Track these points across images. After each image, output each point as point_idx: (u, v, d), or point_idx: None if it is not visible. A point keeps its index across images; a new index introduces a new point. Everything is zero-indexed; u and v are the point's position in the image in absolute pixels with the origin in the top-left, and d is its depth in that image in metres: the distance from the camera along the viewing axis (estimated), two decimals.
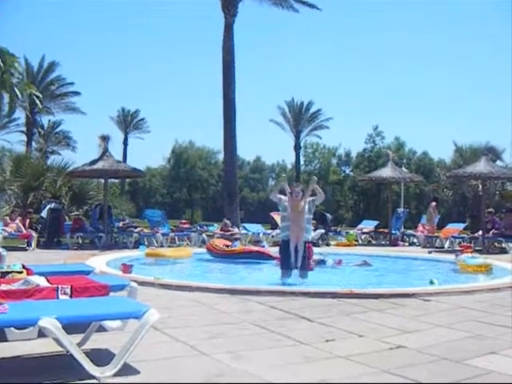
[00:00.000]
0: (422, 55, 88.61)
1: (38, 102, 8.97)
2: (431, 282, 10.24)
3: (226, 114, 26.23)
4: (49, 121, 49.97)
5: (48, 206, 19.61)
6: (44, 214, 19.36)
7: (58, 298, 5.49)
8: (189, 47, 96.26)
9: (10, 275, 6.46)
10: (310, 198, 10.78)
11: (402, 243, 21.98)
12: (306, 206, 10.65)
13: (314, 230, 19.13)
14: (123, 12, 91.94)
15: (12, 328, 5.29)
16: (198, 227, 23.70)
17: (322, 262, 13.44)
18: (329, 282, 10.84)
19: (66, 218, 21.40)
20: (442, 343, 5.90)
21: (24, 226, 18.01)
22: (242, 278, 11.92)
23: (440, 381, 4.61)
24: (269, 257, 14.61)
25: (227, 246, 15.16)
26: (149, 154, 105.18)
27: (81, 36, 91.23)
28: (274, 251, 14.56)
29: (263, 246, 15.97)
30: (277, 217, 20.66)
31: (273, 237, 21.15)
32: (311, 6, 28.91)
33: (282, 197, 10.75)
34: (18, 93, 7.65)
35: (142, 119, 68.49)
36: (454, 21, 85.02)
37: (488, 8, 72.92)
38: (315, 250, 12.07)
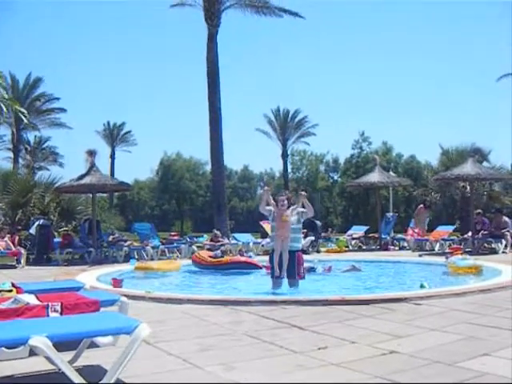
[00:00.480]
0: (407, 60, 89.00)
1: (23, 117, 8.92)
2: (422, 286, 10.26)
3: (212, 124, 26.29)
4: (35, 137, 49.90)
5: (36, 223, 19.55)
6: (33, 230, 19.29)
7: (48, 315, 5.45)
8: (173, 58, 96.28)
9: None
10: (300, 210, 10.78)
11: (392, 247, 22.06)
12: (295, 217, 10.64)
13: (304, 237, 19.21)
14: (107, 25, 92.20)
15: (2, 348, 5.26)
16: (188, 239, 23.71)
17: (311, 270, 13.44)
18: (320, 290, 10.85)
19: (55, 233, 21.28)
20: (434, 347, 5.90)
21: (13, 243, 17.91)
22: (231, 289, 11.89)
23: None
24: (255, 266, 14.61)
25: (213, 257, 15.10)
26: (137, 166, 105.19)
27: (64, 50, 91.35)
28: (264, 260, 14.61)
29: (250, 257, 15.90)
30: (266, 226, 20.65)
31: (263, 246, 21.14)
32: (294, 14, 29.06)
33: (271, 208, 10.73)
34: (4, 108, 7.61)
35: (129, 132, 68.62)
36: (437, 24, 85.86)
37: (472, 13, 73.82)
38: (305, 257, 12.07)
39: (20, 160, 44.84)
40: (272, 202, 10.64)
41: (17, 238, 18.76)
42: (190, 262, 15.70)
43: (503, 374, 4.87)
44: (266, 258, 11.46)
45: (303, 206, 10.87)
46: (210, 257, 15.09)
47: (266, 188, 11.17)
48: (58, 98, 47.40)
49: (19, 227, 20.76)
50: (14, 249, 17.43)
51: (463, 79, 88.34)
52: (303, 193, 11.04)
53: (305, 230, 14.85)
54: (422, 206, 23.90)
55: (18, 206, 23.42)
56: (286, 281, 10.63)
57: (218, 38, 26.76)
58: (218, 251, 15.95)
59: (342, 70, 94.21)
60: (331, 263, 14.75)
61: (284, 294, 9.99)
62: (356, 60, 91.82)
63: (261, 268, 14.42)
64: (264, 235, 22.03)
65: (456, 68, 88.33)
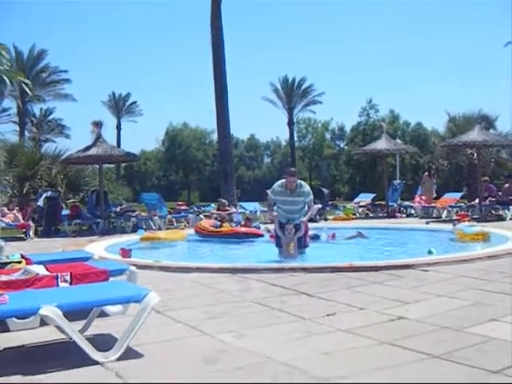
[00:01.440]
0: (414, 26, 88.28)
1: (27, 89, 8.85)
2: (430, 252, 10.27)
3: (218, 92, 26.17)
4: (41, 109, 49.94)
5: (44, 195, 19.58)
6: (40, 202, 19.33)
7: (57, 285, 5.51)
8: (178, 27, 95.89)
9: (9, 266, 6.48)
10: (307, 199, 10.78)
11: (399, 215, 22.02)
12: (301, 198, 10.65)
13: None
14: None
15: (13, 318, 5.31)
16: (195, 208, 23.75)
17: (316, 237, 13.47)
18: (327, 257, 10.87)
19: (63, 205, 21.34)
20: (442, 313, 5.93)
21: (26, 214, 18.09)
22: (236, 257, 11.93)
23: (442, 349, 4.63)
24: (257, 235, 14.66)
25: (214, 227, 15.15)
26: (143, 137, 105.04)
27: (68, 21, 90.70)
28: (271, 228, 14.67)
29: (256, 226, 15.91)
30: None
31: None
32: None
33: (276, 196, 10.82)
34: (7, 80, 7.55)
35: (134, 102, 68.39)
36: None
37: None
38: (314, 225, 12.11)
39: (26, 133, 44.95)
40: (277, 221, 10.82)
41: (29, 209, 18.94)
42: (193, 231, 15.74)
43: (511, 339, 4.90)
44: (273, 226, 11.45)
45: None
46: (212, 226, 15.12)
47: (274, 214, 11.02)
48: (65, 71, 47.36)
49: (33, 197, 20.83)
50: (22, 221, 17.51)
51: (470, 45, 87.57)
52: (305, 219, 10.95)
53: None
54: (426, 174, 23.83)
55: (25, 178, 23.48)
56: None
57: (223, 5, 26.54)
58: (217, 221, 15.89)
59: (348, 38, 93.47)
60: (335, 230, 14.75)
61: (292, 262, 10.02)
62: (363, 27, 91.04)
63: (262, 235, 14.51)
64: None
65: (463, 34, 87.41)
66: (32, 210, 19.15)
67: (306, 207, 10.83)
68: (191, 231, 15.83)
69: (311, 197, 10.81)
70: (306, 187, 10.88)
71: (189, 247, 14.31)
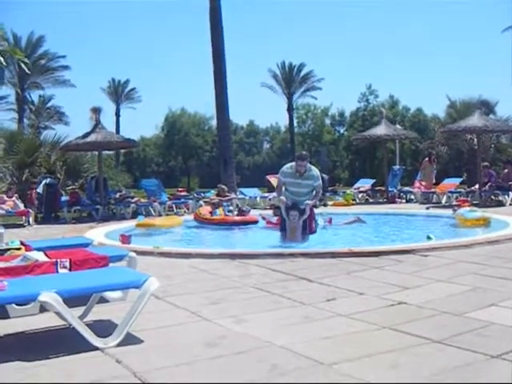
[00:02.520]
0: (412, 12, 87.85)
1: (25, 67, 8.72)
2: (428, 238, 10.25)
3: (217, 77, 26.02)
4: (39, 96, 49.72)
5: (43, 182, 19.57)
6: (40, 189, 19.32)
7: (57, 272, 5.49)
8: (176, 12, 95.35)
9: (8, 252, 6.47)
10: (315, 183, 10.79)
11: (399, 200, 22.04)
12: (309, 181, 10.65)
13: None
14: None
15: (13, 304, 5.31)
16: (195, 194, 23.74)
17: None
18: (327, 243, 10.87)
19: (63, 192, 21.31)
20: (442, 298, 5.93)
21: (31, 198, 18.19)
22: (234, 244, 11.95)
23: (442, 334, 4.64)
24: (251, 222, 14.69)
25: (211, 214, 15.17)
26: (142, 123, 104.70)
27: (66, 7, 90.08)
28: (268, 214, 14.69)
29: (245, 210, 15.90)
30: (273, 180, 20.69)
31: (270, 200, 21.18)
32: None
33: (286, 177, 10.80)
34: (2, 60, 7.42)
35: (133, 89, 68.12)
36: None
37: None
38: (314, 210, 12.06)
39: (25, 120, 44.79)
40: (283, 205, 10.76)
41: (33, 193, 19.06)
42: (191, 217, 15.77)
43: (510, 323, 4.90)
44: (269, 212, 11.46)
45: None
46: (209, 213, 15.14)
47: (282, 199, 10.92)
48: (63, 56, 47.16)
49: (35, 180, 20.84)
50: (22, 208, 17.50)
51: (469, 30, 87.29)
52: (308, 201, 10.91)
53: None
54: (426, 159, 23.81)
55: (24, 165, 23.42)
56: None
57: None
58: (217, 210, 15.87)
59: (347, 24, 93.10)
60: (332, 216, 14.74)
61: (292, 247, 10.02)
62: (361, 13, 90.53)
63: (257, 222, 14.61)
64: (271, 190, 22.00)
65: (462, 19, 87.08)
66: (36, 194, 19.21)
67: (314, 192, 10.83)
68: (190, 217, 15.84)
69: (320, 182, 10.84)
70: (316, 171, 10.90)
71: (186, 233, 14.30)
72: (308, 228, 10.75)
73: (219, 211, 15.39)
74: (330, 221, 14.11)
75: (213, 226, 14.50)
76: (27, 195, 18.78)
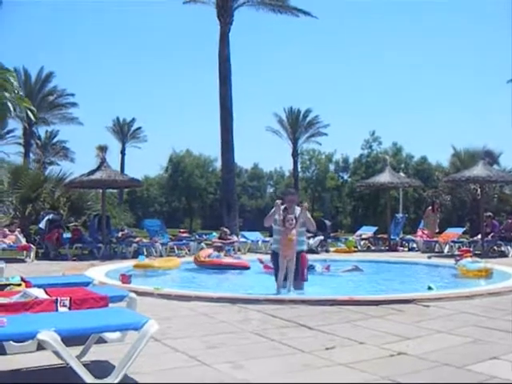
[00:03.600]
0: (419, 61, 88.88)
1: (31, 115, 8.79)
2: (429, 288, 10.20)
3: (223, 122, 26.29)
4: (46, 131, 50.05)
5: (46, 217, 19.60)
6: (42, 225, 19.34)
7: (56, 310, 5.47)
8: (185, 55, 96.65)
9: (8, 288, 6.45)
10: (302, 220, 10.49)
11: (401, 248, 21.99)
12: (301, 220, 10.43)
13: (314, 236, 19.18)
14: (118, 21, 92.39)
15: (11, 341, 5.27)
16: (197, 236, 23.71)
17: (311, 268, 13.37)
18: (327, 291, 10.81)
19: (65, 228, 21.33)
20: (443, 349, 5.88)
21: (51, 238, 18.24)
22: (235, 287, 11.87)
23: None
24: (243, 267, 14.71)
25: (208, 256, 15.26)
26: (146, 163, 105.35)
27: (76, 45, 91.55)
28: (266, 259, 14.65)
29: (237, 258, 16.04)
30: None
31: (271, 244, 21.10)
32: (306, 13, 29.10)
33: (276, 217, 10.52)
34: (11, 107, 7.52)
35: (139, 128, 68.52)
36: (449, 23, 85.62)
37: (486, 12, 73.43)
38: (315, 256, 12.04)
39: (31, 155, 45.05)
40: (280, 211, 10.34)
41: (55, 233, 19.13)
42: (190, 259, 15.85)
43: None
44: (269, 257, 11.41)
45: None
46: (207, 256, 15.21)
47: (278, 202, 10.59)
48: (72, 94, 47.50)
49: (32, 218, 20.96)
50: (23, 243, 17.50)
51: (475, 81, 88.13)
52: (305, 204, 10.92)
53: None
54: (429, 208, 23.82)
55: (28, 200, 23.48)
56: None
57: (230, 36, 26.79)
58: (215, 253, 15.88)
59: (353, 70, 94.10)
60: (340, 263, 14.73)
61: (292, 294, 9.91)
62: (368, 60, 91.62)
63: (248, 268, 14.74)
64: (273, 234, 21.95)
65: (467, 70, 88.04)
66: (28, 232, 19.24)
67: (304, 238, 10.75)
68: (190, 259, 15.89)
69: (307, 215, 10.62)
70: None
71: (184, 276, 14.26)
72: (300, 275, 10.50)
73: (222, 254, 15.44)
74: (328, 268, 14.07)
75: (207, 268, 14.58)
76: (45, 234, 18.73)
